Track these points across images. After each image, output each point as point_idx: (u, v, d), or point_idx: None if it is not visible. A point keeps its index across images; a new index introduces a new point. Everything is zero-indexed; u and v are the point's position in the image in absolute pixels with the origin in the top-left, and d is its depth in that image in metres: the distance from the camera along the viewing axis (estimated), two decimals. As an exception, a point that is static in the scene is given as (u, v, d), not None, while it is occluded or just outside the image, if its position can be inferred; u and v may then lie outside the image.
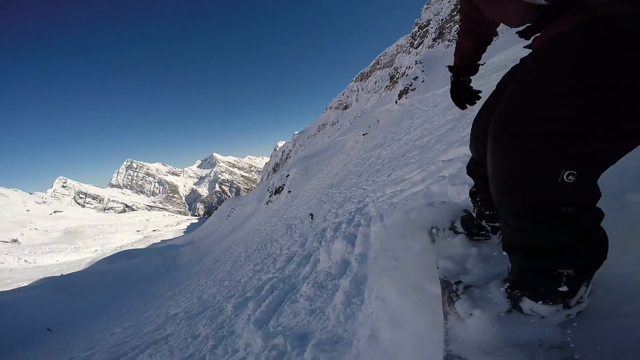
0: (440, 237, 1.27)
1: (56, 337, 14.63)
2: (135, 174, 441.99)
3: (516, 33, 0.83)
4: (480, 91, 1.26)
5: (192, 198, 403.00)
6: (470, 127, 1.09)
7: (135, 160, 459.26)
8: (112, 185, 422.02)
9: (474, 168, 1.11)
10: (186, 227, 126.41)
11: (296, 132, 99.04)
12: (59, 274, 40.89)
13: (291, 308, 3.19)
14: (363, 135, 28.27)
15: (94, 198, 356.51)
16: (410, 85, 28.50)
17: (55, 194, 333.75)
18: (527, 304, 0.78)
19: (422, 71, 29.58)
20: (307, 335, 2.26)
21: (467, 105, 1.28)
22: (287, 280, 4.55)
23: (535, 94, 0.65)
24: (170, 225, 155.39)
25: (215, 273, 15.90)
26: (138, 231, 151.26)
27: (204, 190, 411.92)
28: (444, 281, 1.05)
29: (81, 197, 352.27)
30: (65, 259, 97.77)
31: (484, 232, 1.17)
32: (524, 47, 0.80)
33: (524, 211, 0.69)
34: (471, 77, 1.25)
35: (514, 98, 0.70)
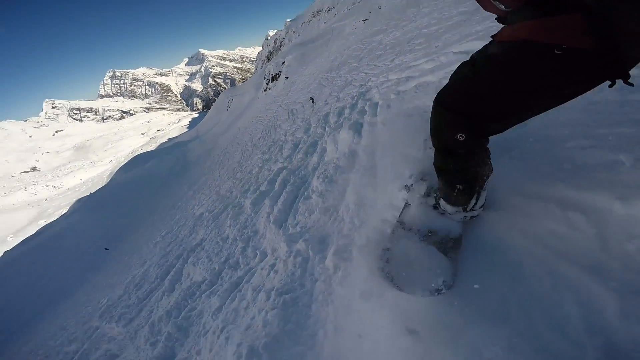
0: (429, 150, 1.59)
1: (112, 257, 15.50)
2: (121, 82, 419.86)
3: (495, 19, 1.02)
4: None
5: (187, 94, 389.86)
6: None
7: (117, 70, 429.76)
8: (102, 97, 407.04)
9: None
10: (188, 122, 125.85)
11: (288, 20, 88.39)
12: (88, 194, 42.97)
13: (305, 205, 3.33)
14: (363, 21, 25.37)
15: (88, 111, 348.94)
16: None
17: (49, 115, 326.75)
18: (441, 203, 1.27)
19: None
20: (326, 240, 2.39)
21: None
22: (296, 172, 4.65)
23: (467, 83, 0.99)
24: (172, 122, 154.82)
25: (227, 165, 15.83)
26: (143, 134, 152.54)
27: (197, 86, 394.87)
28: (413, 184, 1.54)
29: (76, 113, 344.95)
30: (87, 176, 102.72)
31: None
32: (491, 36, 0.99)
33: (439, 149, 1.13)
34: None
35: (457, 80, 1.03)
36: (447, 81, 1.08)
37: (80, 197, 45.33)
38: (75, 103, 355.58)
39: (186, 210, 12.04)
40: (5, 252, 28.95)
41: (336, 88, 11.35)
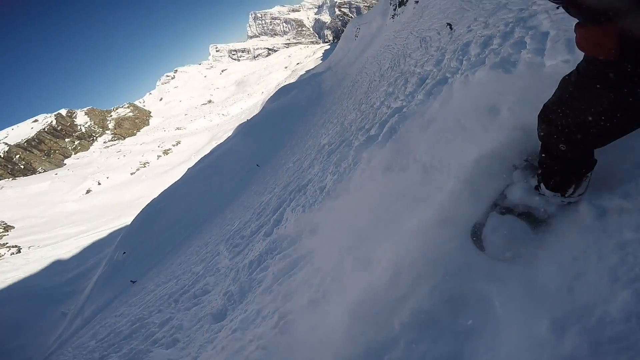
0: None
1: (259, 175, 17.47)
2: (263, 22, 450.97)
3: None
4: None
5: (318, 27, 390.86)
6: None
7: (257, 11, 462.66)
8: (250, 37, 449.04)
9: None
10: (322, 54, 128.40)
11: None
12: (245, 120, 51.14)
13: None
14: None
15: (242, 51, 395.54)
16: None
17: (215, 58, 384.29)
18: (541, 186, 1.26)
19: None
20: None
21: None
22: (409, 119, 4.29)
23: (568, 103, 1.02)
24: (308, 55, 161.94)
25: (354, 95, 15.82)
26: (286, 67, 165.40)
27: (326, 17, 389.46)
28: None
29: (233, 54, 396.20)
30: (246, 105, 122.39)
31: None
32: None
33: (546, 149, 1.17)
34: None
35: (559, 98, 1.07)
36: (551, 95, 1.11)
37: (240, 122, 54.56)
38: (232, 45, 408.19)
39: (316, 137, 12.65)
40: (189, 168, 37.41)
41: (484, 12, 9.27)
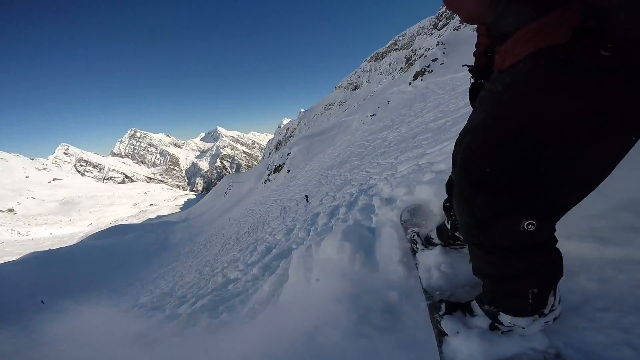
0: (419, 248, 1.42)
1: (47, 310, 14.93)
2: (138, 144, 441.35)
3: (463, 65, 0.92)
4: None
5: (192, 172, 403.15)
6: None
7: (139, 130, 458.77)
8: (114, 154, 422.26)
9: (450, 189, 1.18)
10: (183, 202, 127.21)
11: (302, 110, 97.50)
12: (47, 249, 41.46)
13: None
14: (371, 116, 27.47)
15: (94, 166, 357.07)
16: (428, 67, 26.94)
17: (57, 160, 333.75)
18: (505, 317, 0.87)
19: (443, 53, 27.63)
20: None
21: None
22: (241, 296, 4.00)
23: (496, 140, 0.69)
24: (167, 200, 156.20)
25: (203, 255, 15.65)
26: (135, 204, 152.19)
27: (204, 165, 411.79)
28: (426, 292, 1.21)
29: (82, 165, 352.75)
30: (58, 232, 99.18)
31: (458, 243, 1.30)
32: (466, 66, 0.96)
33: (488, 248, 0.78)
34: None
35: (477, 142, 0.73)
36: (462, 153, 0.78)
37: (38, 249, 43.46)
38: (87, 155, 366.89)
39: (138, 293, 11.31)
40: None
41: (334, 187, 10.98)
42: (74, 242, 50.24)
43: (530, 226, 0.70)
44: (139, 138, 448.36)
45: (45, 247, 47.06)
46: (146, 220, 67.34)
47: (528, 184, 0.68)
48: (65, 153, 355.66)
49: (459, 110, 10.15)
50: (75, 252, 32.73)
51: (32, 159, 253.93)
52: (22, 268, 27.53)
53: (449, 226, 1.29)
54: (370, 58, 74.26)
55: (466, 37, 33.11)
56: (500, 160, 0.68)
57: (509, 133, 0.66)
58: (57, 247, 40.81)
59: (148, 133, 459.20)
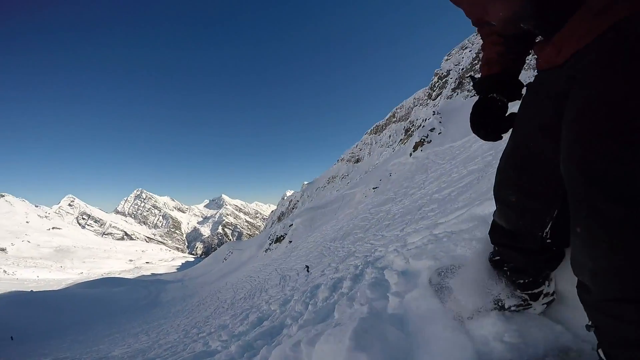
0: (470, 317, 1.03)
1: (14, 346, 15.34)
2: (142, 204, 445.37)
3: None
4: (514, 114, 0.87)
5: (193, 236, 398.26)
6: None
7: (145, 191, 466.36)
8: (118, 212, 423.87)
9: (501, 237, 0.94)
10: (180, 264, 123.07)
11: (305, 183, 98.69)
12: (30, 290, 39.70)
13: None
14: (373, 189, 27.48)
15: (96, 221, 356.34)
16: (427, 137, 27.20)
17: (60, 210, 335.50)
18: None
19: (440, 122, 28.11)
20: None
21: (502, 136, 0.91)
22: None
23: (628, 117, 0.52)
24: (164, 259, 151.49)
25: (194, 315, 15.26)
26: (131, 260, 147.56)
27: (206, 230, 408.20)
28: None
29: (84, 218, 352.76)
30: (46, 276, 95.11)
31: (522, 303, 0.96)
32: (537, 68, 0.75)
33: None
34: (506, 100, 0.88)
35: (600, 150, 0.54)
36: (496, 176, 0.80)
37: (21, 290, 41.90)
38: (91, 209, 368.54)
39: (110, 346, 11.12)
40: None
41: (337, 259, 10.81)
42: (60, 287, 47.80)
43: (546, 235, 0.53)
44: (145, 199, 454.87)
45: (28, 288, 44.92)
46: (140, 276, 64.58)
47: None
48: (70, 205, 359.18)
49: (462, 179, 9.76)
50: (59, 297, 31.76)
51: (37, 206, 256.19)
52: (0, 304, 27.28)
53: (502, 284, 1.00)
54: (371, 131, 74.10)
55: (459, 105, 33.40)
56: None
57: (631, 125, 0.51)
58: (41, 290, 39.41)
59: (154, 195, 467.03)
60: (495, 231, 0.96)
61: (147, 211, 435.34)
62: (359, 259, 7.11)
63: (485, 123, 0.89)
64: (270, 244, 38.71)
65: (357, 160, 74.53)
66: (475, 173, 9.16)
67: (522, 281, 0.93)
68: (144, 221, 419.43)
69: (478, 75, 0.90)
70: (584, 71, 0.60)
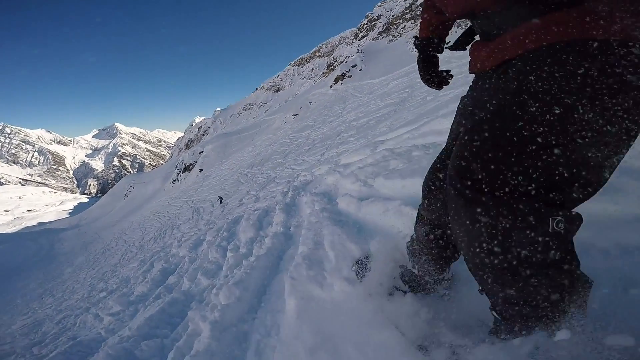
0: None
1: None
2: (7, 140, 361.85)
3: (446, 47, 0.91)
4: (449, 70, 1.11)
5: (83, 172, 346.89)
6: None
7: (9, 125, 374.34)
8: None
9: (422, 226, 1.06)
10: (73, 207, 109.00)
11: (218, 109, 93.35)
12: None
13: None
14: (293, 116, 27.95)
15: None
16: (348, 72, 28.75)
17: None
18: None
19: (362, 60, 29.49)
20: None
21: (443, 85, 1.13)
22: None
23: (506, 134, 0.63)
24: (51, 204, 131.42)
25: (100, 265, 14.24)
26: (7, 211, 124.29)
27: (98, 164, 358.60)
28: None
29: None
30: None
31: (428, 287, 1.14)
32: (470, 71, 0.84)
33: (509, 271, 0.66)
34: (438, 56, 1.12)
35: (479, 144, 0.66)
36: (461, 156, 0.70)
37: None
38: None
39: (23, 313, 10.10)
40: None
41: (256, 186, 10.61)
42: None
43: (559, 225, 0.62)
44: (10, 134, 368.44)
45: None
46: (24, 228, 56.15)
47: (549, 181, 0.62)
48: None
49: (379, 110, 10.17)
50: None
51: None
52: None
53: (415, 270, 1.16)
54: (295, 63, 74.06)
55: (382, 47, 36.23)
56: (517, 161, 0.62)
57: (523, 131, 0.61)
58: None
59: (22, 129, 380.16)
60: (419, 220, 1.07)
61: (16, 147, 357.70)
62: (281, 185, 6.59)
63: (432, 75, 1.09)
64: (178, 174, 36.07)
65: (278, 90, 72.94)
66: (392, 106, 9.46)
67: (431, 269, 1.06)
68: (13, 160, 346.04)
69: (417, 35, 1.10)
70: (487, 84, 0.74)
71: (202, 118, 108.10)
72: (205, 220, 10.19)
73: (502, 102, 0.64)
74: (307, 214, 2.71)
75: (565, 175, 0.61)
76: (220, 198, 11.64)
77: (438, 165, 0.94)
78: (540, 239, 0.62)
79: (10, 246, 31.27)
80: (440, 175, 0.92)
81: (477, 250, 0.67)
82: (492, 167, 0.63)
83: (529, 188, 0.62)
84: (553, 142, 0.60)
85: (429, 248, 1.02)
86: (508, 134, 0.62)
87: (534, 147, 0.60)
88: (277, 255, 2.45)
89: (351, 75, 28.02)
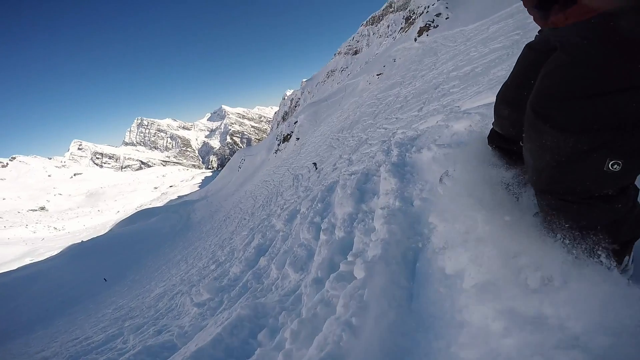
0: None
1: (69, 313, 15.05)
2: (147, 131, 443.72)
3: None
4: None
5: (205, 151, 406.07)
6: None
7: (145, 118, 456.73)
8: (126, 144, 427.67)
9: (496, 139, 1.18)
10: (201, 180, 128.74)
11: (304, 80, 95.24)
12: (81, 241, 42.98)
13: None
14: (377, 75, 26.17)
15: (110, 157, 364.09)
16: (432, 22, 25.53)
17: (73, 156, 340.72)
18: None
19: (446, 7, 25.82)
20: None
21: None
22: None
23: (582, 83, 0.69)
24: (185, 179, 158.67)
25: (222, 233, 15.46)
26: (156, 188, 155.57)
27: (215, 143, 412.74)
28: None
29: (98, 158, 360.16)
30: (91, 223, 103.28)
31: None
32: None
33: (569, 197, 0.77)
34: None
35: (559, 86, 0.72)
36: (543, 84, 0.78)
37: (75, 242, 45.07)
38: (101, 147, 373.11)
39: (163, 280, 10.92)
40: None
41: (348, 149, 10.40)
42: (106, 230, 52.16)
43: (615, 166, 0.68)
44: (147, 125, 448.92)
45: (81, 239, 49.42)
46: (168, 202, 68.89)
47: (613, 123, 0.67)
48: (79, 148, 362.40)
49: (484, 56, 8.89)
50: (106, 241, 34.16)
51: (50, 159, 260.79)
52: (59, 263, 29.60)
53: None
54: (367, 22, 69.74)
55: None
56: (584, 102, 0.68)
57: (593, 75, 0.67)
58: (90, 238, 42.53)
59: (155, 120, 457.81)
60: (492, 134, 1.20)
61: (154, 136, 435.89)
62: (375, 145, 6.26)
63: None
64: (279, 145, 38.56)
65: (356, 52, 70.33)
66: (502, 50, 8.36)
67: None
68: (154, 146, 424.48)
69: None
70: (569, 40, 0.73)
71: (292, 90, 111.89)
72: (303, 187, 10.55)
73: (587, 47, 0.67)
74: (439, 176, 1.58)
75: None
76: (315, 164, 11.99)
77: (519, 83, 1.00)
78: (592, 173, 0.70)
79: (160, 218, 38.17)
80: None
81: (542, 172, 0.78)
82: (570, 105, 0.69)
83: (595, 127, 0.67)
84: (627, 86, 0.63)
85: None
86: (589, 79, 0.67)
87: (610, 91, 0.64)
88: (404, 258, 1.44)
89: (437, 25, 24.68)
